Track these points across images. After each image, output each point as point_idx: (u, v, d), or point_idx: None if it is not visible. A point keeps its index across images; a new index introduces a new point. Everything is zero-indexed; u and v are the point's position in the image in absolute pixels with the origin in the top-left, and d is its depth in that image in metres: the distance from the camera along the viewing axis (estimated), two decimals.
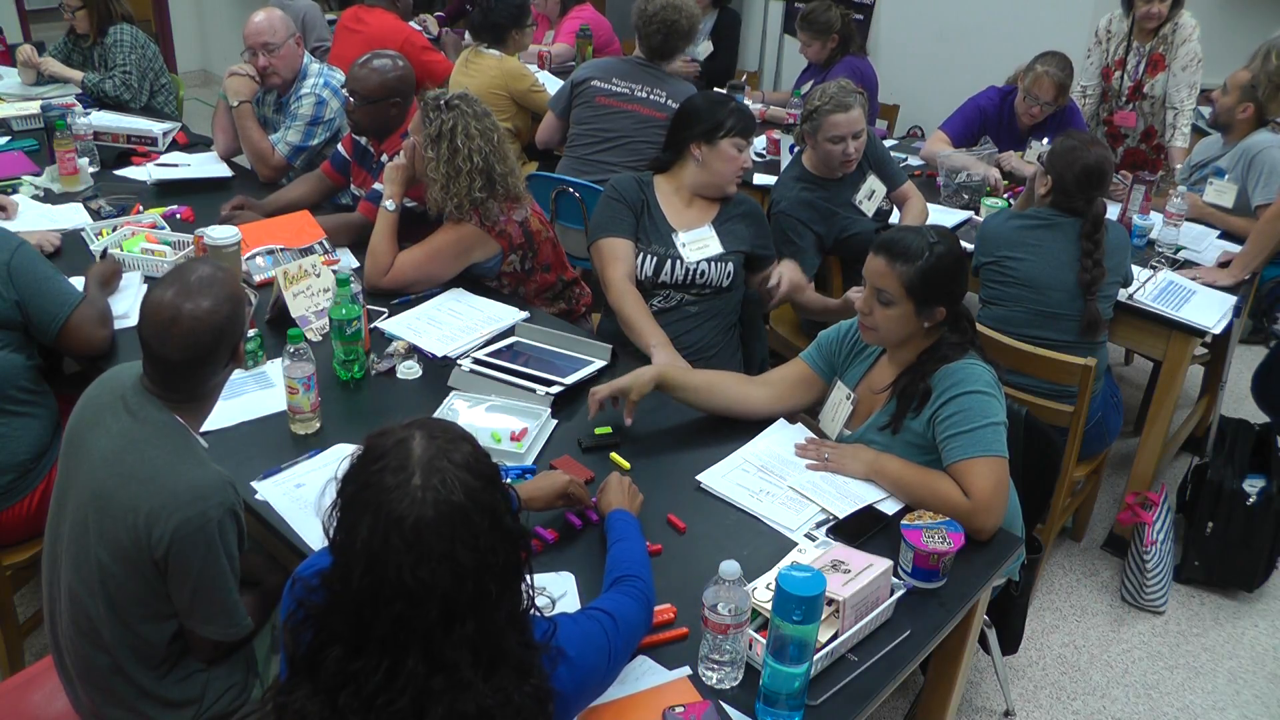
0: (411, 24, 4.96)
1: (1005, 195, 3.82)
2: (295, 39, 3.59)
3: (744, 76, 5.39)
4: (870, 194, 3.38)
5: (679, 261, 2.78)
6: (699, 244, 2.81)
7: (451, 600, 1.19)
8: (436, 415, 2.26)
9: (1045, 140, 3.97)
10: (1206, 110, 4.19)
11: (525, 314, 2.73)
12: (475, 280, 2.89)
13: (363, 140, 3.30)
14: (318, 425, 2.23)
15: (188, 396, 1.78)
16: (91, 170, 3.55)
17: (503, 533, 1.24)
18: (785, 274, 2.90)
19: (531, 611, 1.33)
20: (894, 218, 3.53)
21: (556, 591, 1.79)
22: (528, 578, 1.31)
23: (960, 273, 2.12)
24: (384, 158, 3.08)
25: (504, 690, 1.23)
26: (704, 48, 5.25)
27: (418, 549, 1.17)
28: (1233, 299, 3.21)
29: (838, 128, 3.12)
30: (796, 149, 3.42)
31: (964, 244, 3.40)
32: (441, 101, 2.74)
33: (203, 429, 2.05)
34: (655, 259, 2.79)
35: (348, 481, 1.24)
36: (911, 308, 2.08)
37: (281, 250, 2.93)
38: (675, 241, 2.80)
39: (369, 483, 1.21)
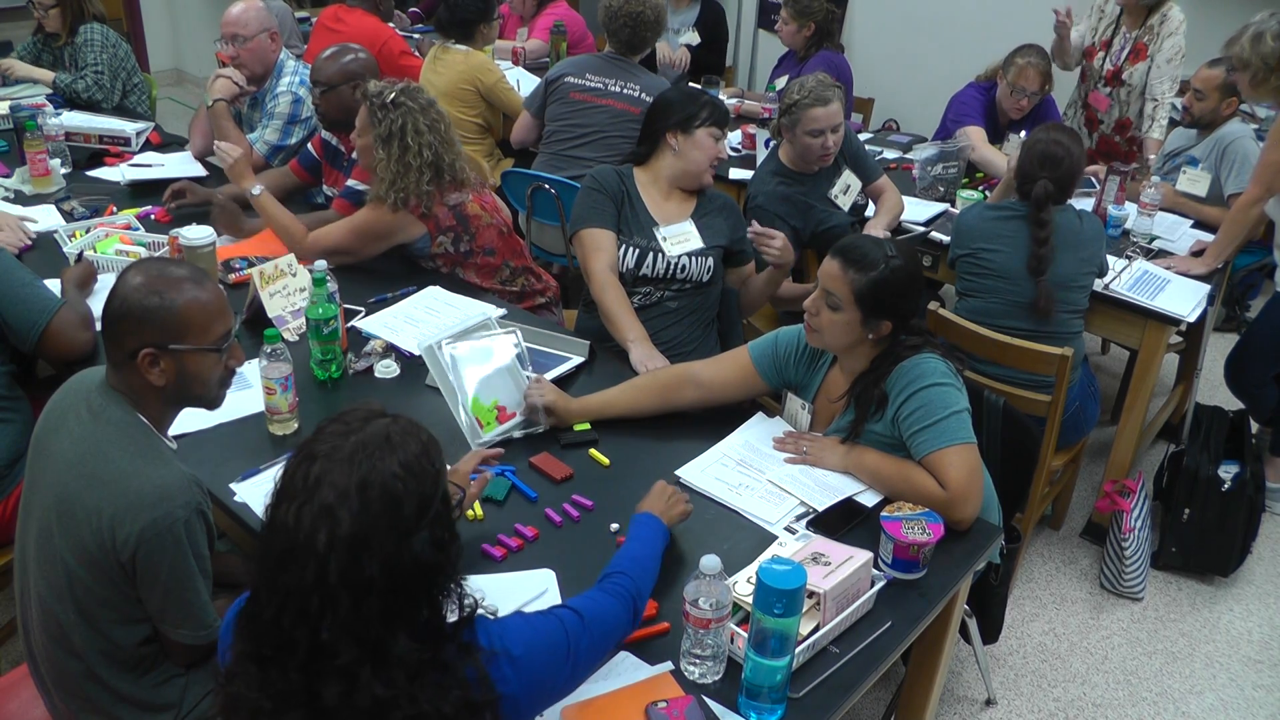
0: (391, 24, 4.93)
1: (980, 188, 3.83)
2: (270, 34, 3.55)
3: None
4: (846, 188, 3.39)
5: (660, 255, 2.78)
6: (680, 238, 2.80)
7: (320, 561, 1.20)
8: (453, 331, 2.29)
9: (1022, 134, 3.99)
10: (1179, 102, 4.23)
11: (503, 311, 2.72)
12: (411, 261, 2.92)
13: (333, 140, 3.28)
14: (296, 426, 2.22)
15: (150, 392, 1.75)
16: (63, 171, 3.51)
17: (400, 538, 1.22)
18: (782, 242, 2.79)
19: (477, 614, 1.33)
20: (870, 211, 3.55)
21: (537, 588, 1.79)
22: (458, 587, 1.30)
23: (913, 292, 2.11)
24: (355, 155, 3.05)
25: (406, 690, 1.23)
26: (689, 36, 5.23)
27: (310, 491, 1.22)
28: (1206, 287, 3.24)
29: (817, 121, 3.13)
30: (772, 143, 3.42)
31: (940, 236, 3.46)
32: (387, 100, 2.74)
33: (180, 431, 2.04)
34: (637, 251, 2.78)
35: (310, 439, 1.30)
36: (858, 317, 2.07)
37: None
38: (656, 235, 2.79)
39: (319, 430, 1.28)
